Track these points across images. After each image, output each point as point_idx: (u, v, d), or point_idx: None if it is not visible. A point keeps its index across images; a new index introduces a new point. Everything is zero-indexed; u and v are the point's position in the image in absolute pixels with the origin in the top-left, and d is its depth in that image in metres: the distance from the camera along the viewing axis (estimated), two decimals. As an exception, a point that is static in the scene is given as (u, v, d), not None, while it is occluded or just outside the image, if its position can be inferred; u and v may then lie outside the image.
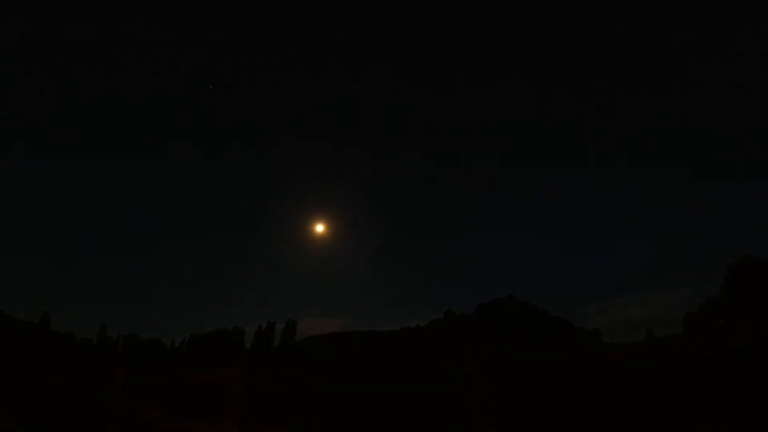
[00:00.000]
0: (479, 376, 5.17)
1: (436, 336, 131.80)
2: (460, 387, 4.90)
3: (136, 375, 9.27)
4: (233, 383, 7.44)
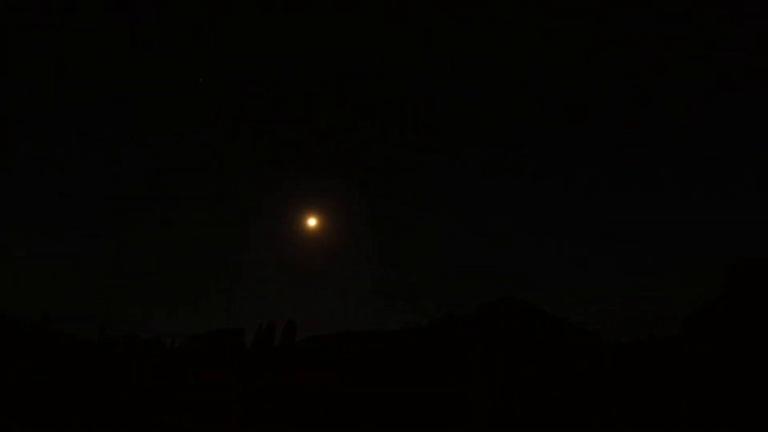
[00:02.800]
0: (480, 377, 5.18)
1: (436, 337, 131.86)
2: (461, 387, 4.86)
3: (138, 375, 9.30)
4: (234, 383, 7.44)
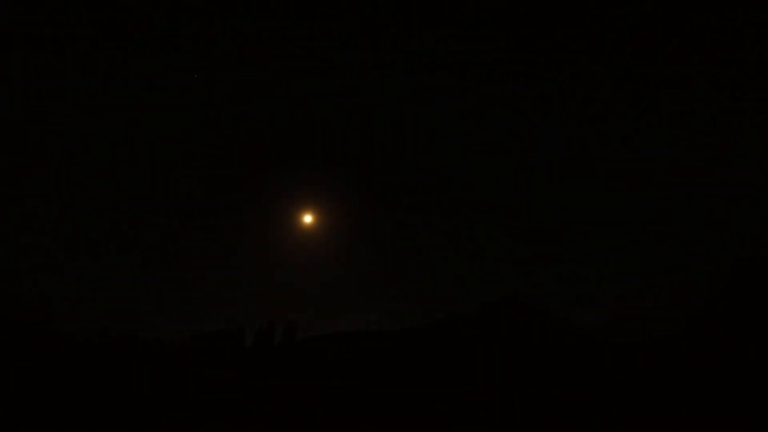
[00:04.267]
0: (480, 377, 5.17)
1: (436, 337, 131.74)
2: (461, 387, 4.86)
3: (138, 375, 9.33)
4: (234, 383, 7.46)
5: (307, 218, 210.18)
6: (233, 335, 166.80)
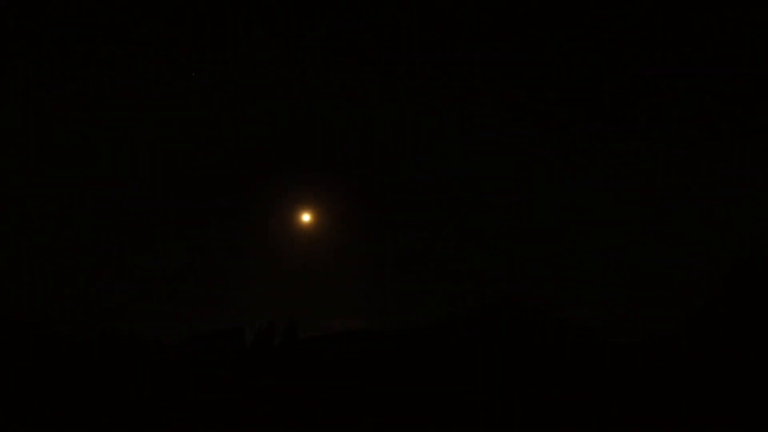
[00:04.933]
0: (480, 377, 5.17)
1: (436, 337, 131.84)
2: (461, 387, 4.86)
3: (138, 375, 9.33)
4: (233, 383, 7.45)
5: (306, 217, 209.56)
6: (233, 335, 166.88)
